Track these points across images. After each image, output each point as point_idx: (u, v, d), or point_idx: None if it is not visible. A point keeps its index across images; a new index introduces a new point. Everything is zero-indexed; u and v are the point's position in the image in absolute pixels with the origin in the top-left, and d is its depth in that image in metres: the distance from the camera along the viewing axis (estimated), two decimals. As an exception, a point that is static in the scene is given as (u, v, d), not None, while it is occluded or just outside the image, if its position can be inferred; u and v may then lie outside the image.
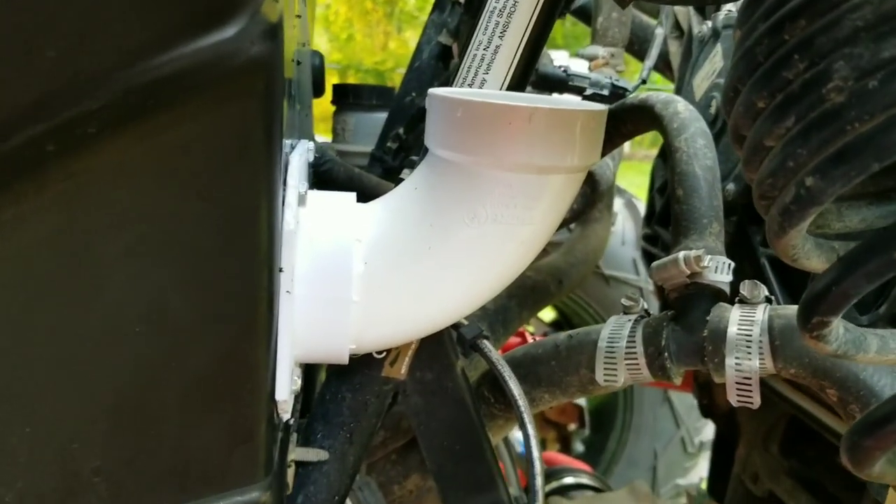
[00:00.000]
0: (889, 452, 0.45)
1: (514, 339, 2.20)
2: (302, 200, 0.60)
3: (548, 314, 2.88)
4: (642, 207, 2.34)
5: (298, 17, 0.72)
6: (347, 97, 1.58)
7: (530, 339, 2.24)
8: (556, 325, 2.89)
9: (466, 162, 0.60)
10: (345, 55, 14.02)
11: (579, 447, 2.73)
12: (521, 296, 1.14)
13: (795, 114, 0.44)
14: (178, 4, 0.42)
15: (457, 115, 0.59)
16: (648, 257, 1.46)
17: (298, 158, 0.63)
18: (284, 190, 0.56)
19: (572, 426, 2.70)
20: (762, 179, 0.47)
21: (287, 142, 0.61)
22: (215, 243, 0.50)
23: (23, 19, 0.40)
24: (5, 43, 0.40)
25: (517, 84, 0.74)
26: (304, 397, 0.87)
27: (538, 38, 0.73)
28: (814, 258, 0.50)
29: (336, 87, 1.61)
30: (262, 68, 0.46)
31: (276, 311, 0.54)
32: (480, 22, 0.72)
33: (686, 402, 2.47)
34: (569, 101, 0.70)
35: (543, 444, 2.75)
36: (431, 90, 0.63)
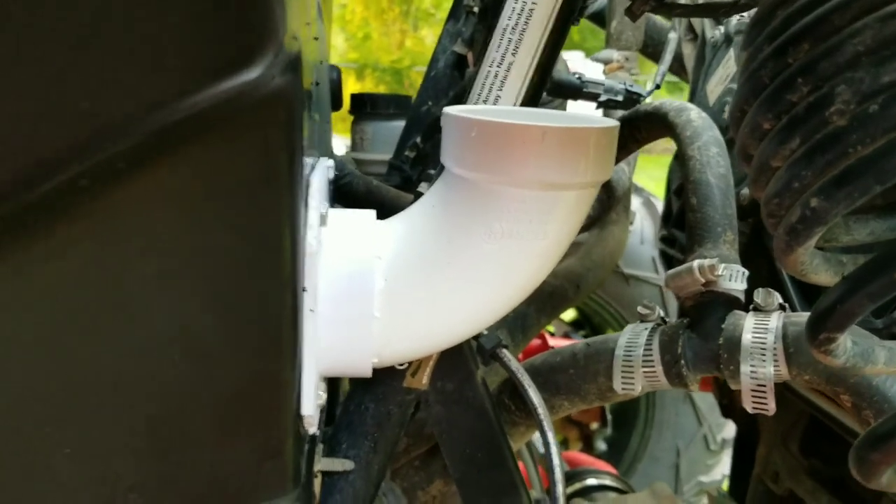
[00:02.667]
0: (896, 463, 0.46)
1: (534, 342, 2.21)
2: (323, 220, 0.62)
3: (568, 314, 2.89)
4: (660, 205, 2.34)
5: (316, 39, 0.73)
6: (365, 106, 1.60)
7: (550, 339, 2.26)
8: (577, 325, 2.90)
9: (482, 180, 0.62)
10: (361, 54, 14.05)
11: (602, 446, 2.74)
12: (540, 302, 1.16)
13: (800, 136, 0.45)
14: (207, 52, 0.44)
15: (471, 135, 0.61)
16: (666, 259, 1.47)
17: (319, 178, 0.64)
18: (306, 211, 0.58)
19: (594, 425, 2.71)
20: (769, 199, 0.48)
21: (308, 161, 0.63)
22: (241, 267, 0.51)
23: (58, 72, 0.42)
24: (41, 96, 0.42)
25: (531, 99, 0.76)
26: (328, 407, 0.89)
27: (550, 54, 0.75)
28: (822, 272, 0.51)
29: (354, 97, 1.63)
30: (282, 100, 0.48)
31: (300, 330, 0.56)
32: (493, 40, 0.74)
33: (708, 399, 2.47)
34: (581, 115, 0.71)
35: (566, 443, 2.76)
36: (446, 109, 0.65)
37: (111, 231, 0.47)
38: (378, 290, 0.63)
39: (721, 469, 2.58)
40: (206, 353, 0.52)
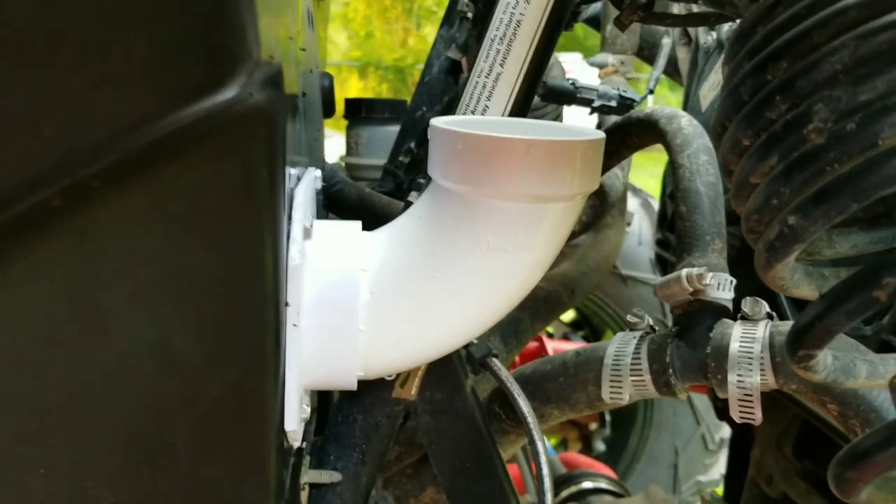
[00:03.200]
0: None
1: (531, 344, 2.21)
2: (307, 234, 0.62)
3: (567, 315, 2.89)
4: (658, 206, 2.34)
5: (304, 49, 0.73)
6: (360, 111, 1.60)
7: (548, 342, 2.26)
8: (576, 326, 2.90)
9: (468, 192, 0.62)
10: (364, 52, 14.05)
11: (601, 446, 2.74)
12: (533, 307, 1.16)
13: (778, 153, 0.45)
14: (177, 75, 0.44)
15: (457, 148, 0.61)
16: (661, 262, 1.47)
17: (304, 191, 0.64)
18: (289, 225, 0.58)
19: (593, 426, 2.71)
20: (749, 215, 0.48)
21: (293, 173, 0.63)
22: (221, 283, 0.51)
23: (19, 102, 0.42)
24: (4, 124, 0.42)
25: (520, 109, 0.76)
26: (319, 416, 0.89)
27: (539, 64, 0.75)
28: (804, 287, 0.51)
29: (348, 102, 1.63)
30: (262, 116, 0.48)
31: (283, 345, 0.56)
32: (482, 50, 0.74)
33: (706, 399, 2.47)
34: (569, 127, 0.71)
35: (565, 444, 2.77)
36: (433, 121, 0.65)
37: (87, 250, 0.47)
38: (363, 303, 0.63)
39: (719, 469, 2.58)
40: (187, 369, 0.52)
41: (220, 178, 0.49)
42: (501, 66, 0.73)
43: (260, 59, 0.45)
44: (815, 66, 0.44)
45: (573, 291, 1.27)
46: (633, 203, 2.39)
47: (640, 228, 2.41)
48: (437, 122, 0.64)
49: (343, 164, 1.59)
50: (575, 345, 2.44)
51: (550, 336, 2.62)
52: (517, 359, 1.43)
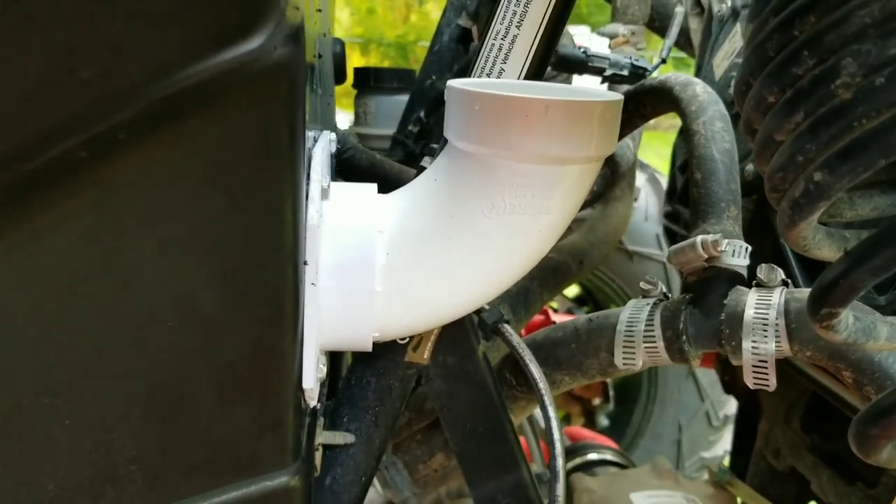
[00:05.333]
0: (896, 439, 0.46)
1: (537, 317, 2.21)
2: (325, 194, 0.61)
3: (572, 290, 2.89)
4: (665, 182, 2.33)
5: (319, 10, 0.73)
6: (368, 81, 1.58)
7: (553, 316, 2.25)
8: (581, 301, 2.90)
9: (484, 154, 0.61)
10: (366, 29, 13.98)
11: (604, 421, 2.74)
12: (543, 277, 1.15)
13: (804, 109, 0.45)
14: (205, 22, 0.44)
15: (474, 108, 0.61)
16: (670, 235, 1.47)
17: (321, 152, 0.64)
18: (308, 184, 0.58)
19: (597, 400, 2.71)
20: (773, 173, 0.48)
21: (310, 134, 0.63)
22: (242, 239, 0.51)
23: (58, 43, 0.42)
24: (41, 65, 0.42)
25: (535, 72, 0.75)
26: (330, 380, 0.89)
27: (555, 26, 0.74)
28: (825, 248, 0.51)
29: (357, 71, 1.61)
30: (284, 72, 0.48)
31: (301, 303, 0.56)
32: (498, 11, 0.73)
33: (710, 375, 2.47)
34: (586, 89, 0.71)
35: (569, 419, 2.77)
36: (450, 82, 0.64)
37: (111, 203, 0.47)
38: (379, 265, 0.63)
39: (723, 445, 2.59)
40: (207, 325, 0.52)
41: (242, 134, 0.49)
42: (518, 28, 0.73)
43: (286, 9, 0.45)
44: (843, 20, 0.43)
45: (582, 262, 1.27)
46: (640, 178, 2.38)
47: (646, 204, 2.40)
48: (455, 83, 0.64)
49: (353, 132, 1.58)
50: (580, 320, 2.43)
51: (555, 311, 2.62)
52: (523, 331, 1.43)
